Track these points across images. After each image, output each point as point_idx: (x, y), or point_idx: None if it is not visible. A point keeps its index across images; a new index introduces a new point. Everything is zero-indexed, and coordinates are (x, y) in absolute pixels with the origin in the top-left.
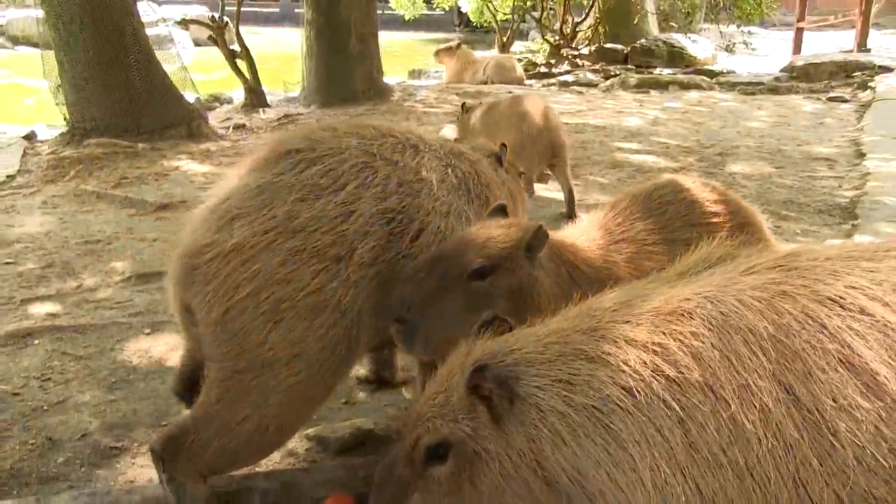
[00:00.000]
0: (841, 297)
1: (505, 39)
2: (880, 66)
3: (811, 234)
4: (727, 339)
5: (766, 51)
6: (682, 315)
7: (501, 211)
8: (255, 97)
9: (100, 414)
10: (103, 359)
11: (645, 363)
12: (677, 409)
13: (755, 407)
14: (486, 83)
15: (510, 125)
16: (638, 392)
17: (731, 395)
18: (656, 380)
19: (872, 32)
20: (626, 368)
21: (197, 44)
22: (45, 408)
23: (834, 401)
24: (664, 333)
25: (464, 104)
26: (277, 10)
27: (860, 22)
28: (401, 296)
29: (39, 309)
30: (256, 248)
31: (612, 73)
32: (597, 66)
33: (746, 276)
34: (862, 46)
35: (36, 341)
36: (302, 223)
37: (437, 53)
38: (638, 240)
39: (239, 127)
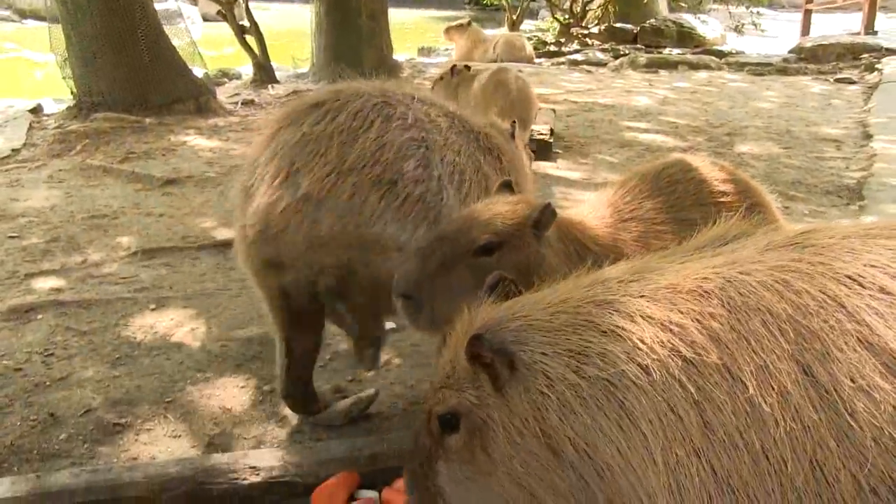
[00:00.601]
0: (860, 276)
1: (515, 18)
2: (887, 49)
3: (819, 215)
4: (745, 319)
5: (774, 32)
6: (701, 294)
7: (508, 187)
8: (264, 73)
9: (103, 390)
10: (107, 334)
11: (662, 342)
12: (693, 391)
13: (773, 389)
14: (495, 61)
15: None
16: (654, 371)
17: (748, 377)
18: (673, 360)
19: (879, 15)
20: (642, 346)
21: (206, 19)
22: (47, 383)
23: (852, 381)
24: (682, 312)
25: (454, 66)
26: None
27: (867, 5)
28: (406, 271)
29: (43, 283)
30: (324, 190)
31: (622, 53)
32: (606, 46)
33: (764, 254)
34: (869, 29)
35: (39, 316)
36: (353, 162)
37: (447, 31)
38: (647, 219)
39: (247, 102)
